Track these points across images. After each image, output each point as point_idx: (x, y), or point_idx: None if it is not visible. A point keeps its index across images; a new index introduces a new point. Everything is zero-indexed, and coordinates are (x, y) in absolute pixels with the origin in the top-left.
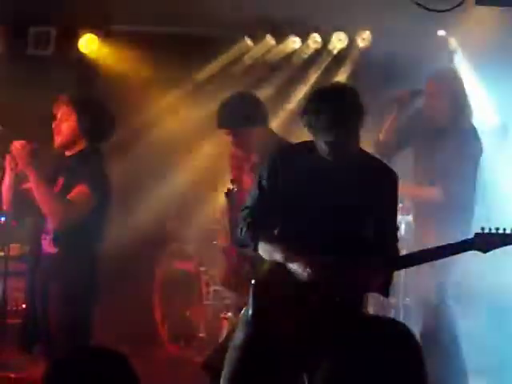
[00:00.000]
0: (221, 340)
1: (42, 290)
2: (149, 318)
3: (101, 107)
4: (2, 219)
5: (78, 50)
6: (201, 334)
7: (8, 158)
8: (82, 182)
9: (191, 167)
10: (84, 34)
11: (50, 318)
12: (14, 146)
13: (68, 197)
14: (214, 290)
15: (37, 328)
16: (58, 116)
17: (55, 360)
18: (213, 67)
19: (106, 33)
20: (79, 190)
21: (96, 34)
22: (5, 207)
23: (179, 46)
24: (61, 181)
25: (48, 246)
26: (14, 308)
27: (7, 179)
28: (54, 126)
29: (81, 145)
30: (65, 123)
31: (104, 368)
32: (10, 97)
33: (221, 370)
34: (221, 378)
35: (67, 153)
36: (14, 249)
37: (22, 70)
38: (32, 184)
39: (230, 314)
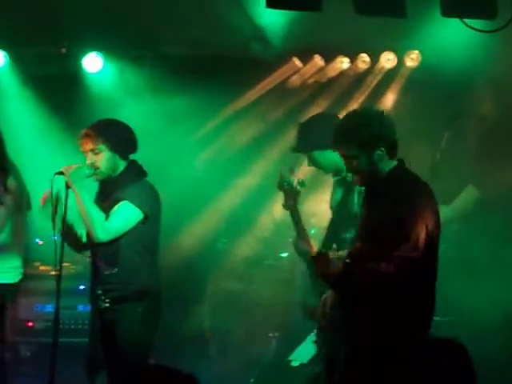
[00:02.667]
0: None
1: (104, 311)
2: (199, 337)
3: (115, 122)
4: (54, 238)
5: None
6: (251, 354)
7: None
8: (126, 198)
9: (242, 187)
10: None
11: (117, 340)
12: (64, 168)
13: (110, 213)
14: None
15: (99, 353)
16: (88, 153)
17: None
18: (261, 88)
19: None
20: (122, 205)
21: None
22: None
23: (227, 68)
24: (106, 203)
25: (104, 267)
26: (66, 326)
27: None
28: (88, 162)
29: (120, 166)
30: (99, 156)
31: None
32: None
33: None
34: None
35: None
36: (66, 268)
37: None
38: (77, 201)
39: (277, 333)
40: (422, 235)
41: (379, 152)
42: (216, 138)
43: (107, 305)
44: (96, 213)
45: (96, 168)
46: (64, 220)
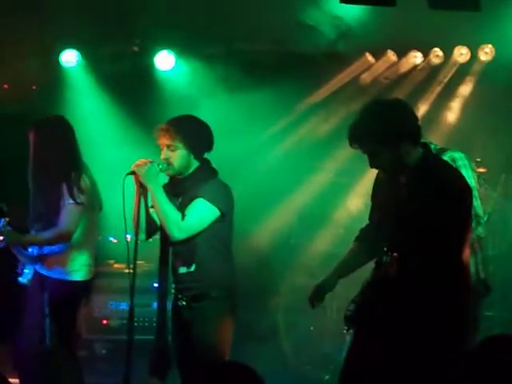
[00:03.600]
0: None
1: (181, 309)
2: (273, 332)
3: (195, 121)
4: (129, 236)
5: None
6: (326, 350)
7: (134, 177)
8: (201, 196)
9: (316, 182)
10: None
11: (195, 338)
12: (135, 164)
13: (186, 211)
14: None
15: (169, 353)
16: (164, 147)
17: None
18: (334, 83)
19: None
20: (198, 203)
21: None
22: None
23: (299, 64)
24: (180, 201)
25: (181, 266)
26: (141, 324)
27: (135, 199)
28: (162, 157)
29: (193, 165)
30: (174, 153)
31: None
32: None
33: None
34: None
35: (180, 176)
36: (140, 266)
37: None
38: (152, 200)
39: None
40: (462, 228)
41: (403, 145)
42: (289, 134)
43: (184, 303)
44: (171, 211)
45: (169, 164)
46: (139, 220)
